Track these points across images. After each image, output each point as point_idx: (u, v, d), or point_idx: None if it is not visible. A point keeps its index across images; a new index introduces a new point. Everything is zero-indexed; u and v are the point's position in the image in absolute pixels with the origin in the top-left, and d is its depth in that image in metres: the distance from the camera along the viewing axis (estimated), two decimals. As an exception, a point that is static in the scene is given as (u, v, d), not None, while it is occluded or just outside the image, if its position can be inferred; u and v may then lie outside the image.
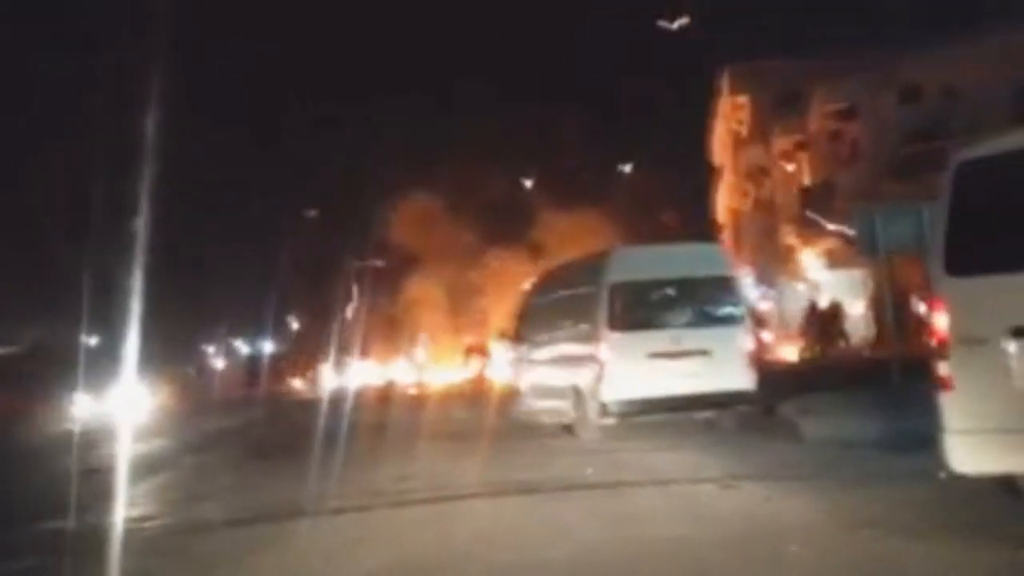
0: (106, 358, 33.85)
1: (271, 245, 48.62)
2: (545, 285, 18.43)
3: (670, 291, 15.03)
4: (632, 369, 14.17)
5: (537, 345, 17.38)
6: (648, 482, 10.03)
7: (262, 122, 60.02)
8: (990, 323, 6.49)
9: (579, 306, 15.40)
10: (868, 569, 6.10)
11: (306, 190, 56.82)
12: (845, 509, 7.91)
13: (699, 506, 8.65)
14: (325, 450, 13.69)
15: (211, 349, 69.02)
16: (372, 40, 67.68)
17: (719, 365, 14.30)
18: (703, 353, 14.37)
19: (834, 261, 38.85)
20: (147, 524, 9.77)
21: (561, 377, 15.56)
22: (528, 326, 18.21)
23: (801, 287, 43.65)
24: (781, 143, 48.59)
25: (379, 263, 51.35)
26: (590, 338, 14.67)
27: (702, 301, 15.09)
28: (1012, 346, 6.37)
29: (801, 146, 45.82)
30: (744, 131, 54.93)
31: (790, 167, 48.11)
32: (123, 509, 9.68)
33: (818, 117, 42.64)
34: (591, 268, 15.59)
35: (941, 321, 6.78)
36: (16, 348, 43.41)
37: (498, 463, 12.51)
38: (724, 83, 54.42)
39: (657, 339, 14.49)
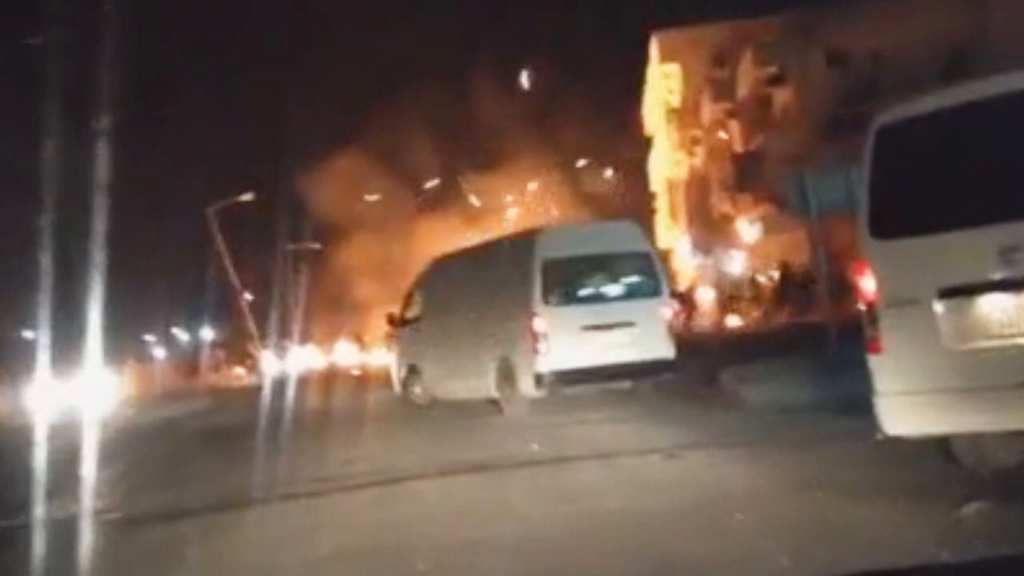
0: (45, 350, 33.15)
1: (205, 230, 47.90)
2: (446, 267, 18.71)
3: (595, 266, 15.65)
4: (566, 341, 14.61)
5: (438, 325, 17.58)
6: (592, 456, 10.10)
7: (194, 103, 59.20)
8: (917, 285, 6.49)
9: (502, 284, 15.67)
10: (812, 531, 6.17)
11: (241, 172, 56.09)
12: (787, 473, 8.03)
13: (644, 477, 8.73)
14: (270, 437, 13.62)
15: (151, 338, 68.15)
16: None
17: (643, 335, 14.99)
18: (629, 324, 14.98)
19: (769, 227, 39.29)
20: (99, 516, 9.66)
21: (481, 353, 15.72)
22: (426, 308, 18.51)
23: (736, 253, 44.07)
24: (712, 111, 48.92)
25: (315, 245, 50.93)
26: (520, 313, 14.89)
27: (624, 275, 15.85)
28: (940, 307, 6.38)
29: (732, 113, 46.17)
30: (675, 100, 55.22)
31: (722, 135, 48.46)
32: (75, 501, 9.53)
33: (748, 83, 42.95)
34: (518, 247, 15.91)
35: (869, 284, 6.77)
36: None
37: (443, 442, 12.54)
38: (653, 50, 54.61)
39: (587, 312, 15.12)
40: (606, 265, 15.71)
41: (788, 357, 15.73)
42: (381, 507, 8.71)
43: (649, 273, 15.85)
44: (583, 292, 15.59)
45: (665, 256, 63.52)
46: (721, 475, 8.39)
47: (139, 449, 16.75)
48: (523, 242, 15.97)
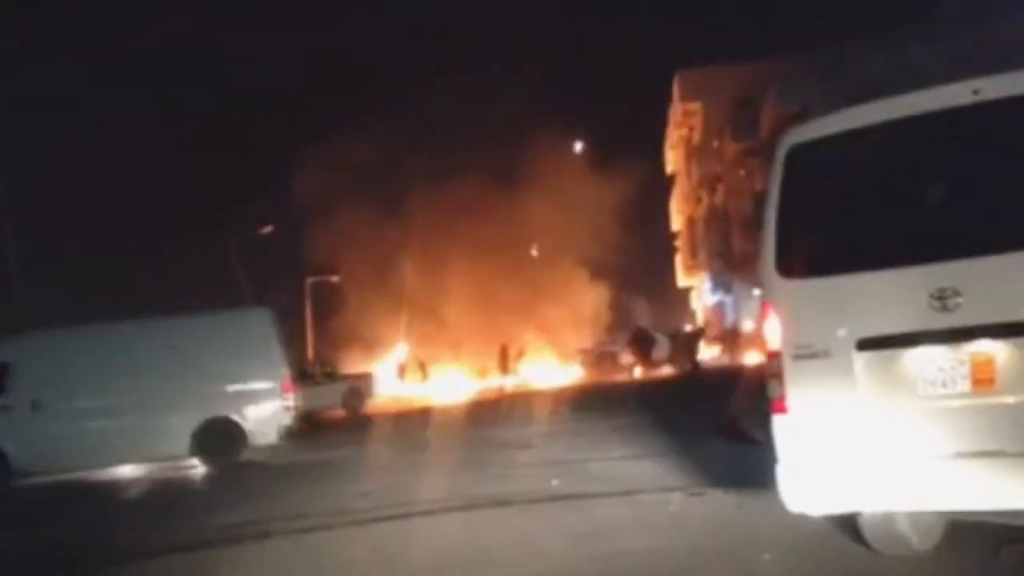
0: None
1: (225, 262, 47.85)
2: None
3: None
4: None
5: None
6: (615, 493, 9.93)
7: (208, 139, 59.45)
8: (832, 333, 5.48)
9: None
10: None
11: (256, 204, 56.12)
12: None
13: (668, 516, 8.56)
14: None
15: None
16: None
17: None
18: None
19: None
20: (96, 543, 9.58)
21: None
22: None
23: (757, 291, 43.82)
24: (733, 149, 48.90)
25: (334, 278, 50.82)
26: None
27: None
28: (858, 360, 5.40)
29: (753, 152, 46.09)
30: (696, 138, 55.26)
31: (742, 173, 48.40)
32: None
33: (770, 121, 42.88)
34: None
35: (773, 331, 5.71)
36: None
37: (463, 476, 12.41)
38: (675, 89, 54.74)
39: None
40: None
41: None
42: (397, 543, 8.56)
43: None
44: None
45: (685, 294, 63.49)
46: (748, 516, 8.20)
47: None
48: None
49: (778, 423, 5.67)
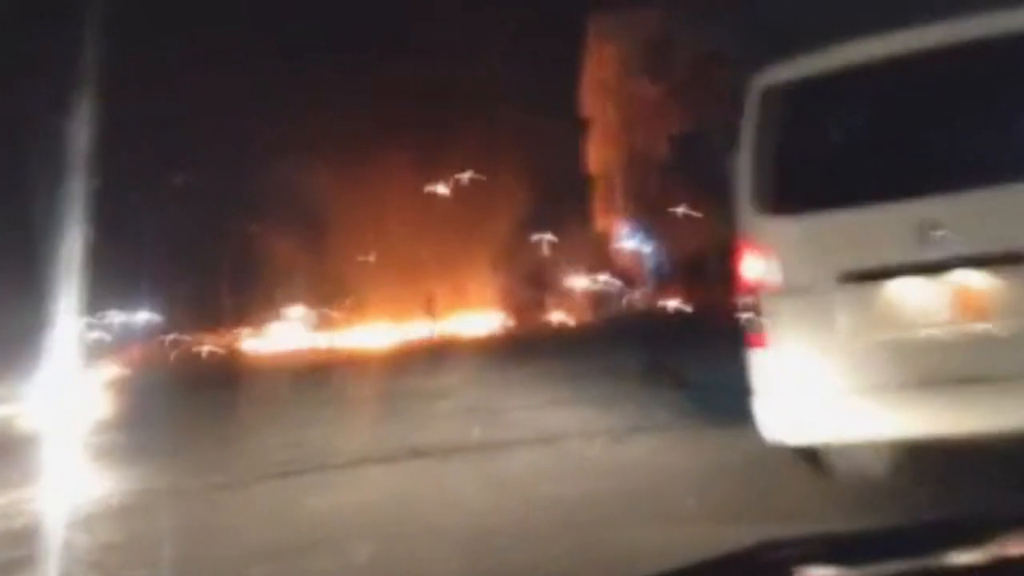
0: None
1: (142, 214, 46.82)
2: None
3: None
4: None
5: None
6: (536, 440, 9.81)
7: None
8: (813, 268, 5.65)
9: None
10: (772, 517, 5.93)
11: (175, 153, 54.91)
12: (741, 455, 7.77)
13: (590, 462, 8.46)
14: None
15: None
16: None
17: None
18: None
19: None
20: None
21: None
22: None
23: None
24: (650, 92, 48.82)
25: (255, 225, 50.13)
26: None
27: None
28: (840, 293, 5.55)
29: (670, 94, 46.07)
30: (612, 80, 55.07)
31: (658, 116, 48.40)
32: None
33: (686, 62, 42.88)
34: None
35: (751, 267, 5.83)
36: None
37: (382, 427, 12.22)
38: (589, 33, 54.45)
39: None
40: None
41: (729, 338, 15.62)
42: (318, 495, 8.35)
43: None
44: None
45: (603, 239, 63.68)
46: (670, 459, 8.12)
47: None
48: None
49: (756, 357, 5.81)
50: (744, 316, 5.85)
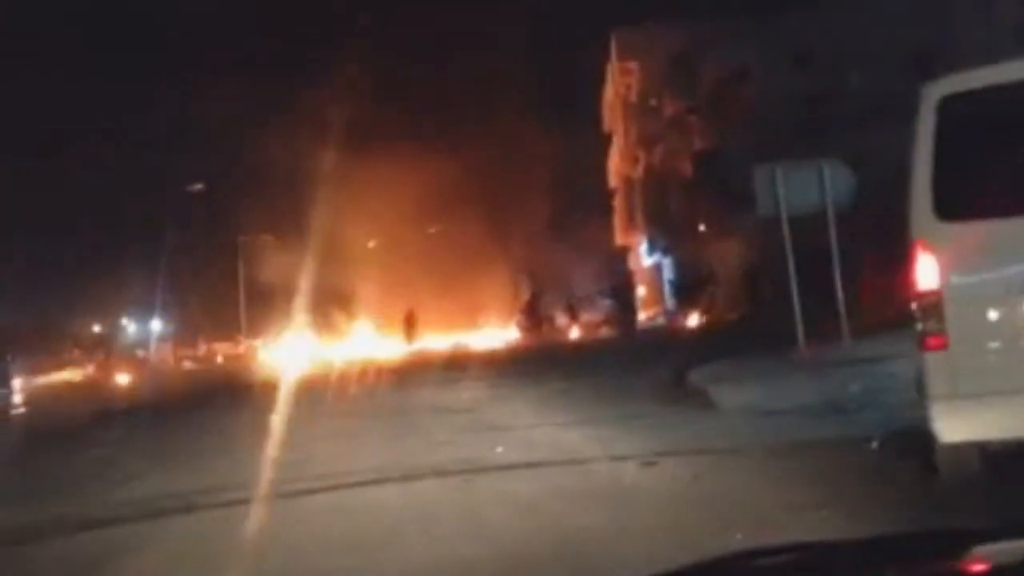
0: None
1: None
2: None
3: None
4: None
5: None
6: (564, 461, 9.40)
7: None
8: (1001, 273, 5.99)
9: None
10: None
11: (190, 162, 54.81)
12: (781, 485, 7.39)
13: (622, 488, 8.05)
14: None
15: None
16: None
17: None
18: None
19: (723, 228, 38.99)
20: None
21: None
22: None
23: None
24: (672, 109, 48.51)
25: (268, 237, 49.85)
26: None
27: None
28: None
29: (692, 111, 45.73)
30: (633, 97, 54.79)
31: (681, 133, 48.06)
32: None
33: (709, 80, 42.56)
34: None
35: (929, 271, 6.08)
36: None
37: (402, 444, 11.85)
38: (612, 48, 54.19)
39: None
40: None
41: (757, 357, 15.28)
42: (334, 516, 7.95)
43: None
44: None
45: (622, 254, 63.29)
46: (707, 487, 7.72)
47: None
48: None
49: (932, 359, 6.07)
50: (920, 320, 6.09)
